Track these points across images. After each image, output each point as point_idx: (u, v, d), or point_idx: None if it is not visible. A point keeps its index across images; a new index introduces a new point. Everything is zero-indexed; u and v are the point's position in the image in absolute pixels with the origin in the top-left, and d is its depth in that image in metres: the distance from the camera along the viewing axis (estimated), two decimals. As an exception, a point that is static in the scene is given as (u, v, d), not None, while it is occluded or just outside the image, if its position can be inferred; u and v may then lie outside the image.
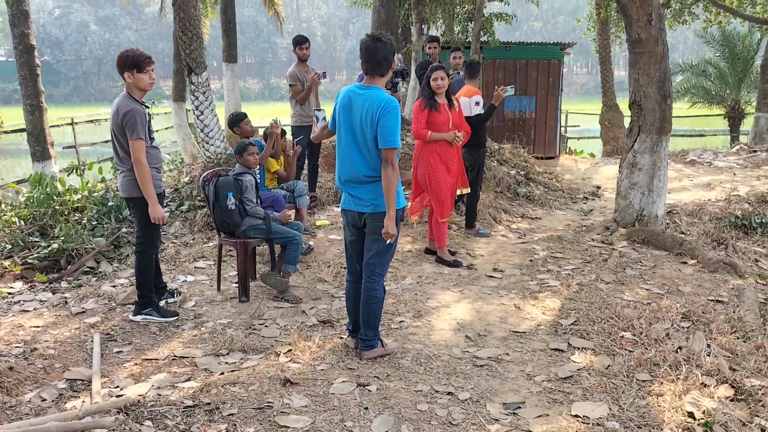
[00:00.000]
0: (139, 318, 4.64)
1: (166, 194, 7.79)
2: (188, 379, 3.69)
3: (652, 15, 6.36)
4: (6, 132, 9.30)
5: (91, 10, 68.50)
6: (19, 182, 9.53)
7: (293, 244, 5.10)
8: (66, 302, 5.12)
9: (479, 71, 7.00)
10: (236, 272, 5.35)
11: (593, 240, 6.67)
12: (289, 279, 5.10)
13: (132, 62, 4.32)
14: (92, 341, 4.26)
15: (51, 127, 11.08)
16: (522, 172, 9.55)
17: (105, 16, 67.77)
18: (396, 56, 10.63)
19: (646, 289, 5.15)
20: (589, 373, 3.70)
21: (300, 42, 7.30)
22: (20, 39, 10.36)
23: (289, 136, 7.32)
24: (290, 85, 7.30)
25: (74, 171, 9.85)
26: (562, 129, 17.04)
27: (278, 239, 5.20)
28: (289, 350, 4.06)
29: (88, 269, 6.02)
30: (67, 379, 3.74)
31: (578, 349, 4.06)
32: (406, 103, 10.87)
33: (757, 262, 6.33)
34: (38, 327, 4.57)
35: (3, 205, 7.63)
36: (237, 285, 5.19)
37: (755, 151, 12.33)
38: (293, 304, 4.95)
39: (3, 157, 9.74)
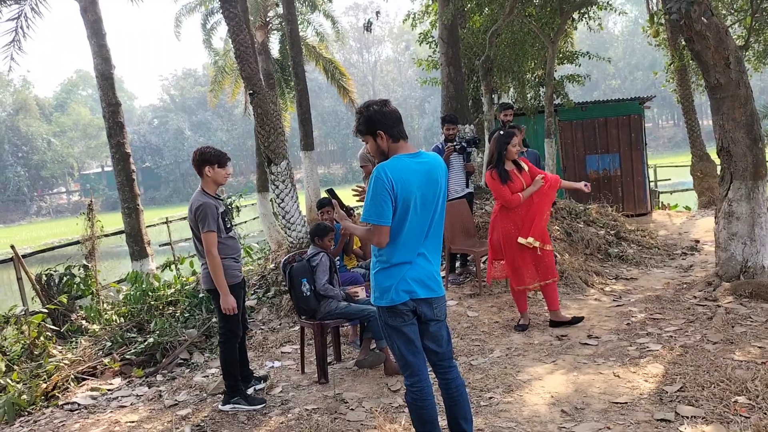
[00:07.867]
0: (227, 408, 4.66)
1: (254, 282, 7.98)
2: (274, 469, 3.62)
3: (729, 58, 6.11)
4: (106, 235, 9.94)
5: (185, 116, 73.85)
6: (119, 281, 10.07)
7: (373, 318, 4.96)
8: (160, 395, 5.23)
9: None
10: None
11: (695, 297, 6.22)
12: (387, 352, 4.99)
13: (213, 157, 4.60)
14: (183, 434, 4.31)
15: (147, 227, 11.77)
16: (612, 232, 9.16)
17: (198, 121, 72.82)
18: (468, 126, 10.62)
19: (759, 347, 4.69)
20: (703, 446, 3.35)
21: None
22: (117, 148, 11.21)
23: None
24: (362, 166, 7.46)
25: (168, 267, 10.32)
26: (652, 184, 16.39)
27: (356, 318, 5.15)
28: (375, 434, 3.94)
29: (182, 361, 6.17)
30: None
31: (687, 418, 3.70)
32: (482, 172, 10.81)
33: None
34: (133, 422, 4.67)
35: (104, 305, 8.05)
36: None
37: None
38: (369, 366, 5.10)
39: (105, 259, 10.34)
